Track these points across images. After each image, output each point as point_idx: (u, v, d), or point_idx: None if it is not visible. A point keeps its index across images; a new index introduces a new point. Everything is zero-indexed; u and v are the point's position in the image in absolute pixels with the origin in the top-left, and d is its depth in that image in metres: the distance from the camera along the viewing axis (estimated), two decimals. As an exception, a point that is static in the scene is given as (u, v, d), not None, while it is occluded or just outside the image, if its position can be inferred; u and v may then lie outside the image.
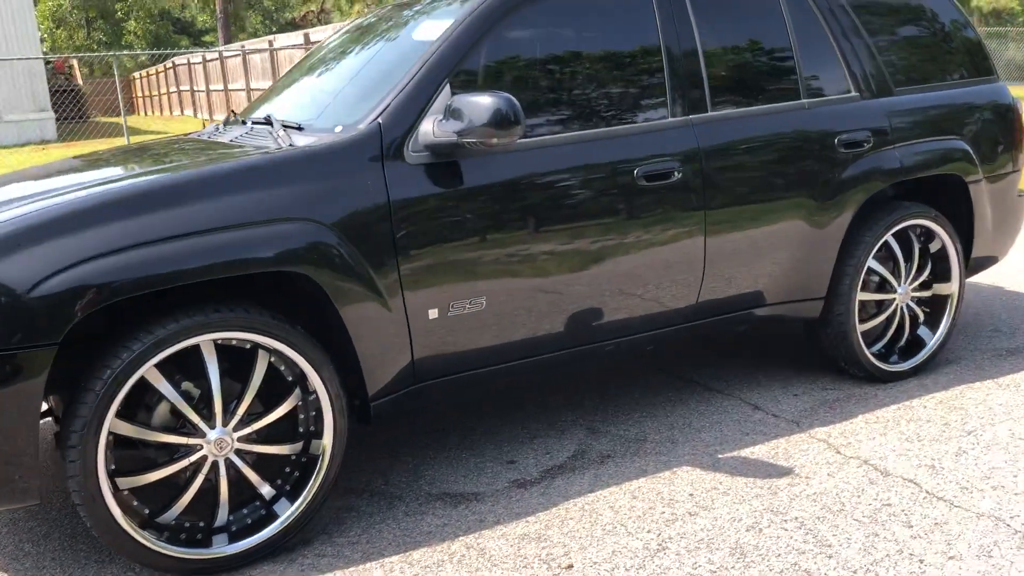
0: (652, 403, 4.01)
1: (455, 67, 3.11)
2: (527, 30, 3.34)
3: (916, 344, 4.27)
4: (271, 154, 2.94)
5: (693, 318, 3.67)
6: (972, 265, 4.42)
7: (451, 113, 2.94)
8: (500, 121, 2.87)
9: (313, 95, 3.66)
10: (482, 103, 2.88)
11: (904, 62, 4.14)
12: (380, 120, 3.00)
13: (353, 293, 2.86)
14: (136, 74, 40.06)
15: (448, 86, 3.06)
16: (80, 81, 30.15)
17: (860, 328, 4.05)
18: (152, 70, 36.59)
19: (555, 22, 3.39)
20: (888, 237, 4.01)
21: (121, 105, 17.52)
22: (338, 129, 3.05)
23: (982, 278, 5.81)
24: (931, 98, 4.13)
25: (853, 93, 3.93)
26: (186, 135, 4.01)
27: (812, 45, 3.89)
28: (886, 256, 4.09)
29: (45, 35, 41.40)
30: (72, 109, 20.10)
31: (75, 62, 30.17)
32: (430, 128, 2.99)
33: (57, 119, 20.03)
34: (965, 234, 4.31)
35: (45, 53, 34.91)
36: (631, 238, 3.37)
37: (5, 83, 18.82)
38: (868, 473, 3.30)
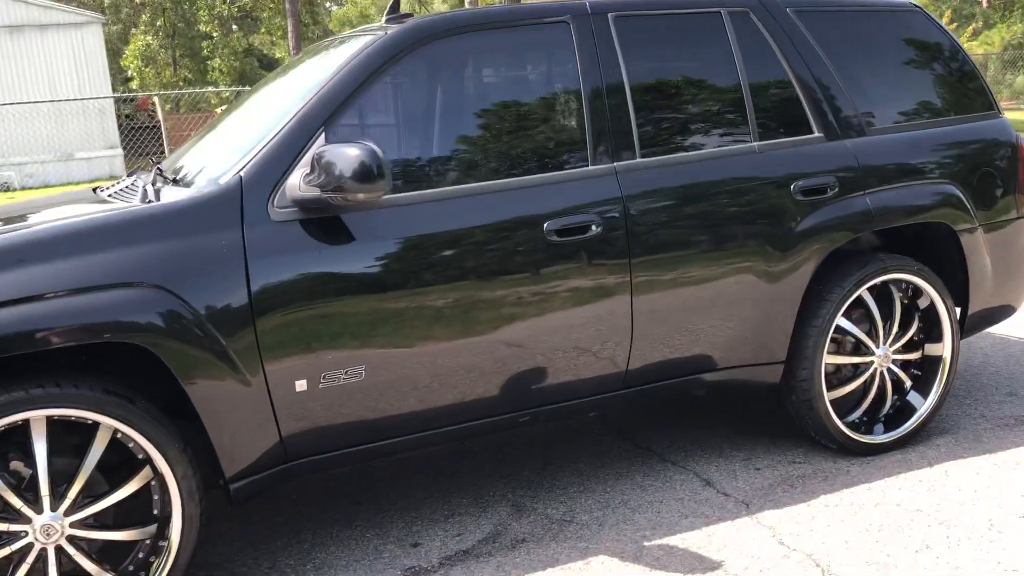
0: (594, 476, 3.64)
1: (332, 116, 2.84)
2: (422, 74, 3.07)
3: (906, 411, 3.80)
4: (121, 212, 2.72)
5: (627, 385, 3.30)
6: (973, 322, 3.93)
7: (316, 165, 2.68)
8: (363, 175, 2.59)
9: (217, 143, 3.44)
10: (345, 155, 2.61)
11: (881, 98, 3.71)
12: (242, 174, 2.75)
13: (201, 365, 2.61)
14: (219, 109, 41.24)
15: (323, 136, 2.80)
16: (161, 118, 31.08)
17: (830, 395, 3.61)
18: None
19: (455, 64, 3.11)
20: (863, 293, 3.57)
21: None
22: (202, 184, 2.82)
23: (1010, 330, 5.26)
24: (913, 138, 3.68)
25: (816, 134, 3.52)
26: (94, 185, 3.83)
27: (766, 81, 3.51)
28: (862, 314, 3.65)
29: (134, 73, 43.05)
30: (152, 145, 20.62)
31: (157, 99, 31.17)
32: (297, 182, 2.73)
33: (132, 154, 20.52)
34: (961, 288, 3.83)
35: (133, 90, 36.22)
36: (540, 300, 3.03)
37: (77, 122, 19.45)
38: (807, 571, 2.87)
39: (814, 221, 3.42)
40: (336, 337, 2.77)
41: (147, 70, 43.31)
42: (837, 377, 3.72)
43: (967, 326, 3.90)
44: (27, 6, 19.11)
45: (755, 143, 3.40)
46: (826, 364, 3.58)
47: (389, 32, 3.00)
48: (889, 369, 3.71)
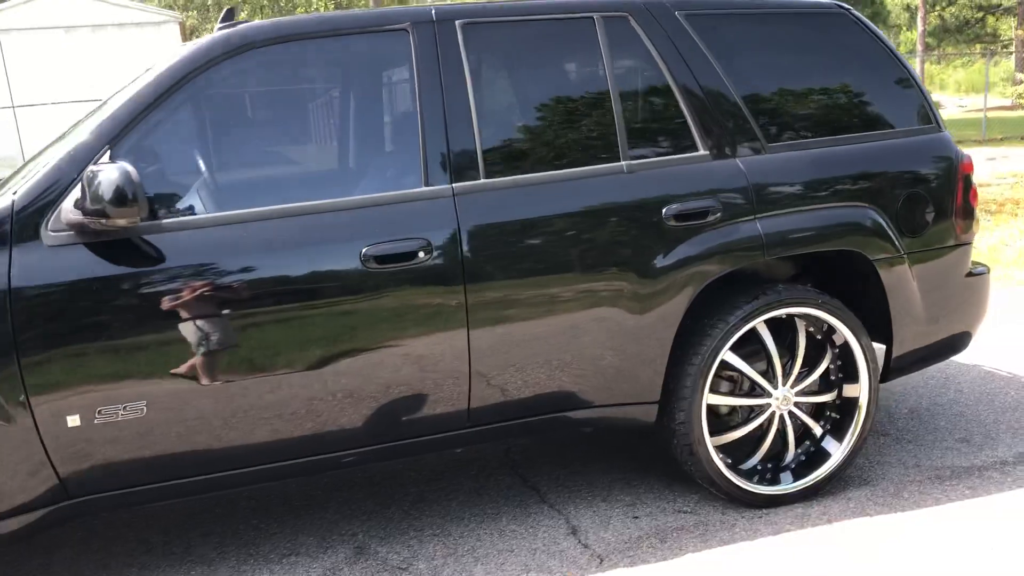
0: (459, 517, 3.38)
1: (121, 133, 2.66)
2: (236, 86, 2.86)
3: (819, 459, 3.42)
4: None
5: (473, 423, 3.03)
6: (904, 362, 3.51)
7: (85, 188, 2.51)
8: (118, 198, 2.41)
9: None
10: (105, 177, 2.43)
11: (787, 111, 3.33)
12: (15, 196, 2.61)
13: (-44, 398, 2.47)
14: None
15: (108, 155, 2.63)
16: None
17: (718, 440, 3.27)
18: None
19: (275, 75, 2.90)
20: (759, 327, 3.21)
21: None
22: None
23: (999, 362, 4.75)
24: (821, 156, 3.29)
25: (701, 152, 3.17)
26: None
27: (643, 94, 3.19)
28: (757, 351, 3.29)
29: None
30: None
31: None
32: (71, 204, 2.57)
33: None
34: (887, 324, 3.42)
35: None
36: (356, 334, 2.80)
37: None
38: (623, 646, 2.57)
39: (689, 249, 3.08)
40: (111, 371, 2.60)
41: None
42: (733, 420, 3.37)
43: (894, 367, 3.48)
44: (108, 5, 19.75)
45: (624, 163, 3.07)
46: (712, 405, 3.25)
47: (199, 43, 2.82)
48: (791, 413, 3.34)
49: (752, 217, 3.15)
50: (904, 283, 3.35)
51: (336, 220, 2.79)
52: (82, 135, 2.68)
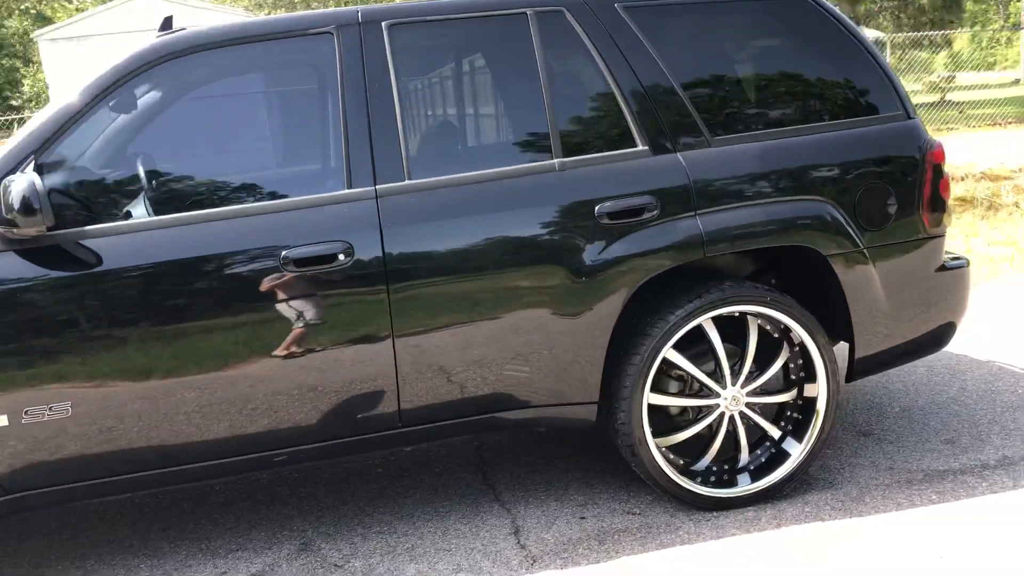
0: (410, 515, 3.40)
1: (47, 143, 2.75)
2: (165, 93, 2.93)
3: (778, 461, 3.32)
4: None
5: (405, 423, 3.04)
6: (871, 363, 3.37)
7: (1, 196, 2.61)
8: (25, 208, 2.51)
9: None
10: (13, 188, 2.53)
11: (737, 103, 3.23)
12: None
13: None
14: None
15: (32, 165, 2.73)
16: None
17: (665, 440, 3.21)
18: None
19: (201, 82, 2.95)
20: (706, 325, 3.13)
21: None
22: None
23: (1017, 358, 4.52)
24: (771, 148, 3.17)
25: (639, 148, 3.10)
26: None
27: (578, 90, 3.13)
28: (705, 350, 3.21)
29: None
30: None
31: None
32: None
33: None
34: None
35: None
36: (281, 335, 2.84)
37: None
38: (524, 651, 2.56)
39: (623, 248, 3.01)
40: (37, 373, 2.70)
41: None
42: (684, 420, 3.29)
43: (859, 367, 3.34)
44: (186, 7, 20.42)
45: (556, 160, 3.03)
46: (662, 405, 3.19)
47: (130, 52, 2.89)
48: (743, 413, 3.24)
49: (692, 214, 3.06)
50: (865, 280, 3.21)
51: (257, 224, 2.83)
52: (9, 145, 2.79)
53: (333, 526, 3.36)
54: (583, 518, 3.27)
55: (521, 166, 3.02)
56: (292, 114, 3.04)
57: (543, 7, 3.09)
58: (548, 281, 2.99)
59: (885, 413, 4.01)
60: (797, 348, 3.25)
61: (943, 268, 3.36)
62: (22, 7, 42.48)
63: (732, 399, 3.20)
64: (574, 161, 3.04)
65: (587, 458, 3.73)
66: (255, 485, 3.76)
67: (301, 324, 2.85)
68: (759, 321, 3.20)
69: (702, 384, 3.20)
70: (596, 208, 3.00)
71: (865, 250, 3.20)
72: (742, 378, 3.20)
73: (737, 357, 3.22)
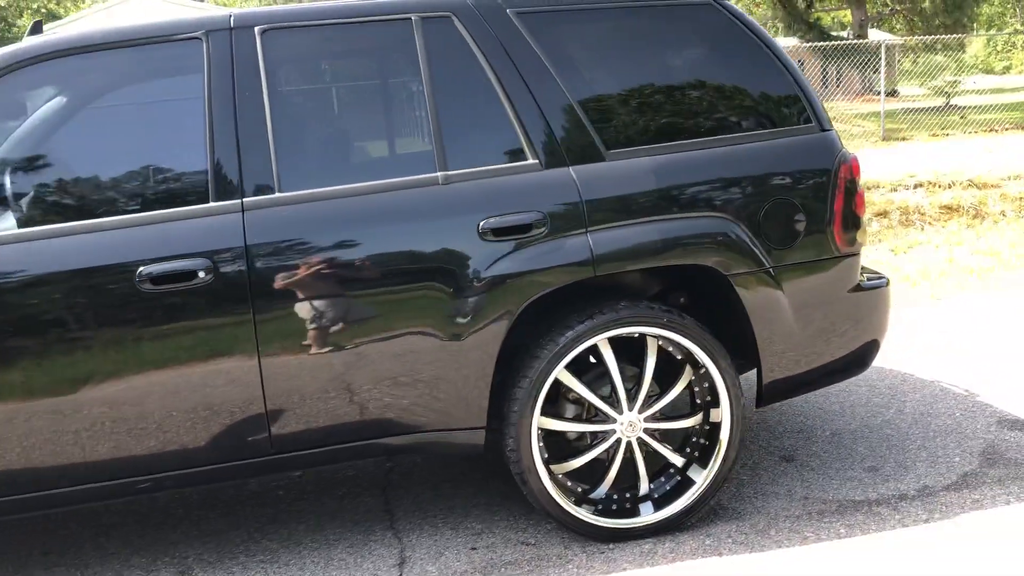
0: (297, 541, 3.25)
1: None
2: (21, 100, 2.80)
3: (683, 489, 3.16)
4: None
5: (278, 450, 2.89)
6: (780, 388, 3.20)
7: None
8: None
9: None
10: None
11: (638, 115, 3.07)
12: None
13: None
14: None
15: None
16: None
17: (559, 467, 3.05)
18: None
19: (58, 89, 2.82)
20: (602, 347, 2.97)
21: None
22: None
23: (966, 378, 4.35)
24: (670, 163, 3.01)
25: (529, 161, 2.94)
26: None
27: (466, 99, 2.97)
28: (601, 373, 3.05)
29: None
30: None
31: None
32: None
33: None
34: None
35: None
36: (137, 357, 2.70)
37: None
38: None
39: (508, 266, 2.86)
40: None
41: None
42: (582, 445, 3.13)
43: (768, 392, 3.18)
44: (173, 4, 20.35)
45: (439, 173, 2.88)
46: (554, 430, 3.03)
47: None
48: (641, 439, 3.08)
49: (583, 231, 2.91)
50: (770, 301, 3.05)
51: (114, 239, 2.70)
52: None
53: (216, 553, 3.22)
54: (474, 548, 3.12)
55: (401, 179, 2.87)
56: (159, 123, 2.90)
57: (429, 12, 2.94)
58: (428, 301, 2.84)
59: (814, 437, 3.84)
60: (702, 372, 3.09)
61: (858, 288, 3.19)
62: (33, 6, 42.66)
63: (628, 424, 3.04)
64: (459, 175, 2.89)
65: (497, 482, 3.57)
66: (152, 506, 3.62)
67: (159, 345, 2.71)
68: (660, 343, 3.04)
69: (597, 409, 3.04)
70: (480, 224, 2.85)
71: (771, 270, 3.03)
72: (639, 403, 3.04)
73: (637, 381, 3.06)
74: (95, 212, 2.74)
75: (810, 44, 22.00)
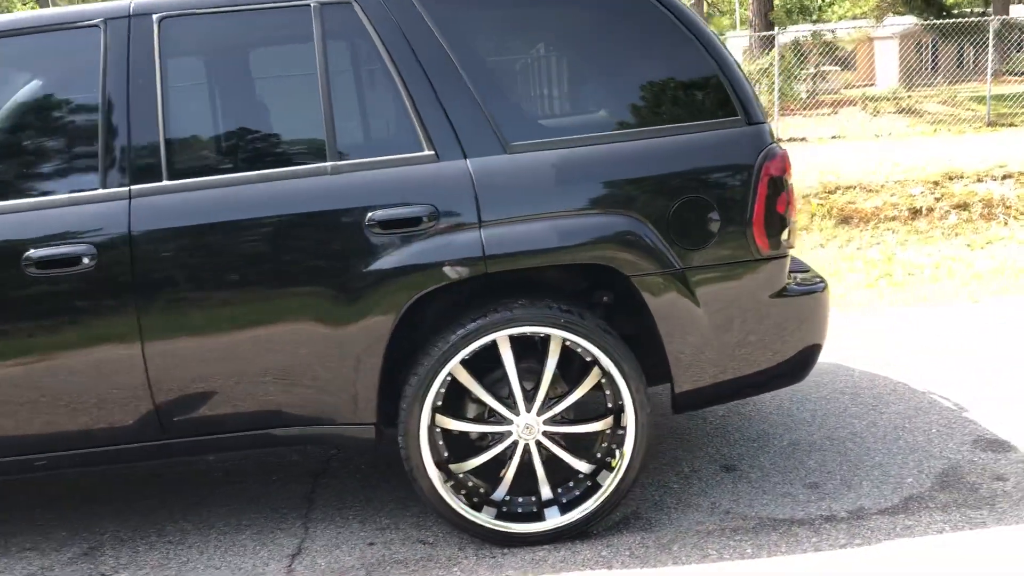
0: (210, 524, 3.29)
1: None
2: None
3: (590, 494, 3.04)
4: None
5: (170, 435, 2.92)
6: (698, 397, 3.03)
7: None
8: None
9: None
10: None
11: (541, 105, 2.95)
12: None
13: None
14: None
15: None
16: None
17: (460, 466, 2.98)
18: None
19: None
20: (501, 346, 2.88)
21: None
22: None
23: (954, 389, 4.05)
24: (575, 157, 2.86)
25: (425, 152, 2.86)
26: None
27: (363, 87, 2.92)
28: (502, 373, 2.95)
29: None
30: None
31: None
32: None
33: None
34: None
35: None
36: (21, 340, 2.77)
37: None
38: None
39: (396, 260, 2.80)
40: None
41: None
42: (483, 445, 3.05)
43: (683, 402, 3.02)
44: None
45: (329, 163, 2.83)
46: (445, 430, 2.96)
47: None
48: (539, 442, 2.97)
49: (475, 226, 2.81)
50: (679, 305, 2.88)
51: (4, 222, 2.76)
52: None
53: (133, 530, 3.29)
54: (372, 544, 3.09)
55: (290, 168, 2.84)
56: (57, 110, 2.95)
57: (329, -1, 2.88)
58: (313, 293, 2.81)
59: (768, 446, 3.63)
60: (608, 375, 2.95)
61: (783, 294, 2.98)
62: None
63: (526, 427, 2.93)
64: (349, 165, 2.83)
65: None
66: (108, 479, 3.72)
67: (46, 329, 2.77)
68: (567, 344, 2.92)
69: (493, 410, 2.95)
70: (368, 216, 2.79)
71: (681, 272, 2.87)
72: (537, 405, 2.93)
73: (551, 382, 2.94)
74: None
75: (927, 22, 20.82)
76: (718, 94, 2.94)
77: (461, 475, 3.01)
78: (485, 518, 2.96)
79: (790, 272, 3.13)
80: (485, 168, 2.83)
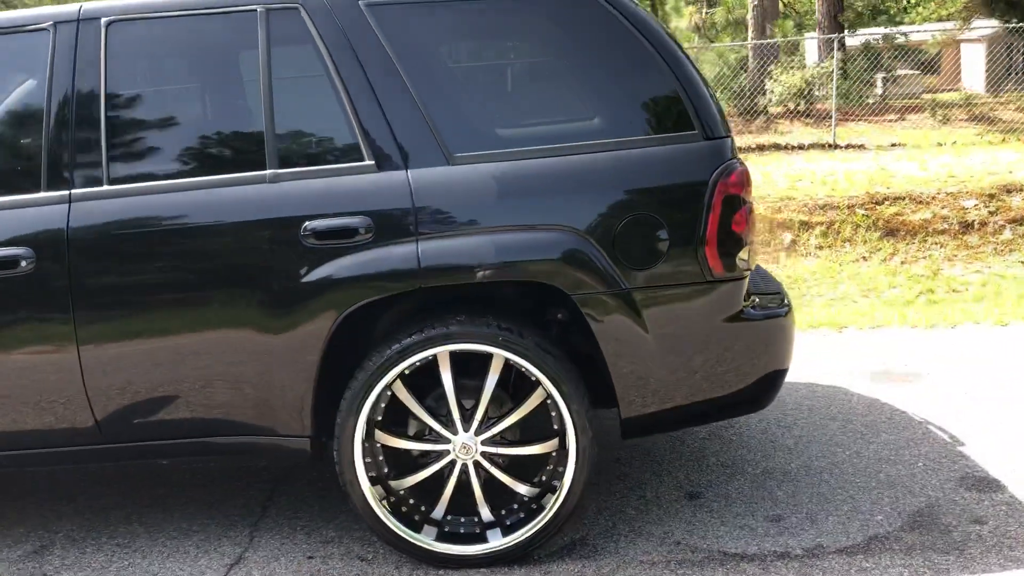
0: (161, 529, 3.28)
1: None
2: None
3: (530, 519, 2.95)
4: None
5: (106, 440, 2.92)
6: (641, 425, 2.92)
7: None
8: None
9: None
10: None
11: (486, 113, 2.85)
12: None
13: None
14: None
15: None
16: None
17: (397, 483, 2.91)
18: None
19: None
20: (441, 363, 2.80)
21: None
22: None
23: (955, 421, 3.84)
24: (518, 170, 2.76)
25: (366, 162, 2.79)
26: None
27: (304, 95, 2.87)
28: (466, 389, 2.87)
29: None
30: None
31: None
32: None
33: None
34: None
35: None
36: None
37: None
38: None
39: (329, 272, 2.74)
40: None
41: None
42: (423, 462, 2.98)
43: (630, 428, 2.91)
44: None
45: (268, 171, 2.79)
46: (386, 446, 2.90)
47: None
48: (477, 463, 2.89)
49: (412, 239, 2.74)
50: (624, 326, 2.77)
51: None
52: None
53: (87, 530, 3.31)
54: (311, 557, 3.04)
55: (228, 175, 2.81)
56: (5, 112, 2.97)
57: (276, 4, 2.84)
58: (246, 303, 2.77)
59: (739, 474, 3.48)
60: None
61: (739, 318, 2.84)
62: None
63: (462, 447, 2.85)
64: (288, 173, 2.79)
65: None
66: (79, 474, 3.76)
67: (-5, 328, 2.80)
68: (510, 363, 2.83)
69: (430, 428, 2.87)
70: (304, 226, 2.74)
71: (627, 292, 2.75)
72: (475, 425, 2.84)
73: (494, 401, 2.86)
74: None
75: (1009, 26, 19.97)
76: (674, 107, 2.81)
77: (402, 492, 2.94)
78: (421, 538, 2.89)
79: (753, 294, 2.99)
80: (425, 179, 2.76)
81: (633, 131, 2.81)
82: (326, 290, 2.74)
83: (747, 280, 2.87)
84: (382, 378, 2.78)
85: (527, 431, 2.95)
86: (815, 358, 4.80)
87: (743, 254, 2.82)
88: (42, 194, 2.80)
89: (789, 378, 3.13)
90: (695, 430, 3.87)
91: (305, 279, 2.74)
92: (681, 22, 21.08)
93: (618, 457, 3.65)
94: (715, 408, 2.96)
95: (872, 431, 3.81)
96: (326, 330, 2.76)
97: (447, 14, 2.87)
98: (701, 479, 3.45)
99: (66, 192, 2.79)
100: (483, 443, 2.86)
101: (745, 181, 2.80)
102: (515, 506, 2.96)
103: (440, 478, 2.91)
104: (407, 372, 2.83)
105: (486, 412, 2.85)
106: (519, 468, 2.95)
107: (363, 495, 2.86)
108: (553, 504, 2.87)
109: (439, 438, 2.87)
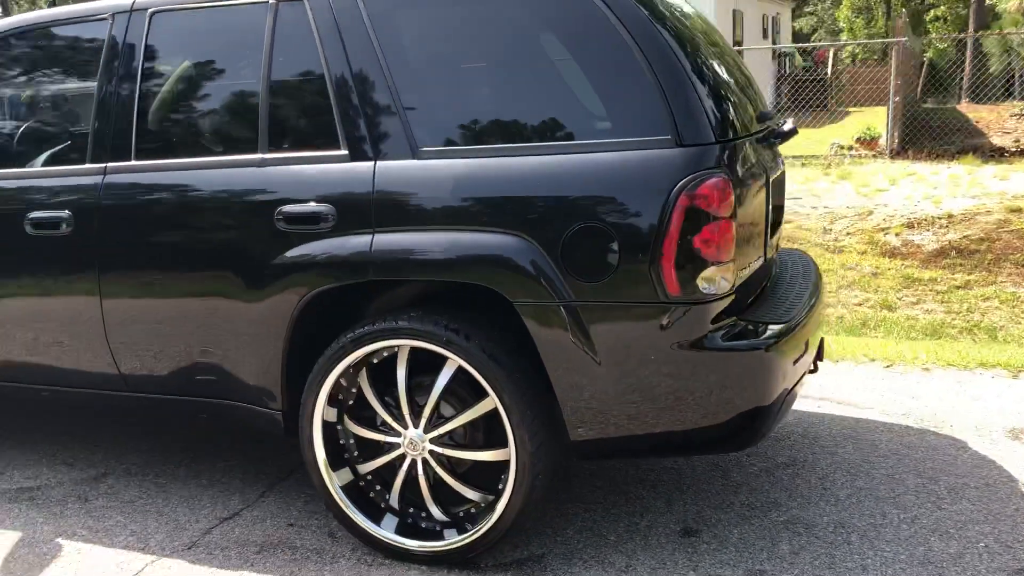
0: (194, 478, 3.62)
1: None
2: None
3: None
4: None
5: (130, 388, 3.27)
6: (592, 450, 2.75)
7: None
8: None
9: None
10: None
11: (459, 109, 2.79)
12: None
13: None
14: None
15: None
16: (830, 70, 30.06)
17: (363, 467, 2.99)
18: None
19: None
20: (400, 355, 2.83)
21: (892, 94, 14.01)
22: None
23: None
24: (475, 169, 2.67)
25: (340, 151, 2.85)
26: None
27: (298, 83, 2.97)
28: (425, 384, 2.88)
29: (844, 23, 42.92)
30: (816, 98, 20.10)
31: (831, 51, 30.34)
32: None
33: (801, 108, 19.72)
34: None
35: (843, 41, 36.24)
36: (22, 288, 3.28)
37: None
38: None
39: (294, 255, 2.85)
40: None
41: (857, 20, 42.51)
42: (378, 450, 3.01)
43: (579, 450, 2.75)
44: None
45: (259, 155, 2.95)
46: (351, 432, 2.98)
47: None
48: (424, 461, 2.87)
49: (369, 230, 2.77)
50: (565, 340, 2.61)
51: (9, 188, 3.27)
52: None
53: (143, 466, 3.71)
54: (291, 525, 3.20)
55: (232, 157, 3.01)
56: (66, 94, 3.39)
57: (287, -5, 2.97)
58: (229, 278, 2.97)
59: (757, 517, 3.14)
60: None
61: (699, 346, 2.56)
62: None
63: (410, 442, 2.85)
64: (275, 158, 2.93)
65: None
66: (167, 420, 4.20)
67: (36, 280, 3.23)
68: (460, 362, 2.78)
69: (383, 419, 2.90)
70: (278, 209, 2.87)
71: (572, 305, 2.59)
72: (423, 422, 2.83)
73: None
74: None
75: None
76: (647, 108, 2.57)
77: (369, 477, 3.00)
78: (367, 522, 2.94)
79: (745, 318, 2.69)
80: (388, 172, 2.77)
81: (598, 133, 2.62)
82: (291, 274, 2.85)
83: (718, 304, 2.57)
84: (338, 364, 2.85)
85: (488, 436, 2.88)
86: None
87: (709, 274, 2.52)
88: (85, 165, 3.17)
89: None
90: (745, 461, 3.53)
91: (274, 262, 2.87)
92: (1011, 3, 18.56)
93: (643, 477, 3.43)
94: (680, 442, 2.70)
95: (955, 495, 3.25)
96: (291, 312, 2.87)
97: (436, 6, 2.85)
98: (711, 516, 3.16)
99: (102, 166, 3.14)
100: (431, 442, 2.83)
101: (714, 195, 2.50)
102: (471, 510, 2.91)
103: (394, 469, 2.93)
104: (375, 363, 2.88)
105: (435, 411, 2.82)
106: (475, 472, 2.88)
107: (320, 473, 2.96)
108: (492, 516, 2.78)
109: (390, 431, 2.89)
